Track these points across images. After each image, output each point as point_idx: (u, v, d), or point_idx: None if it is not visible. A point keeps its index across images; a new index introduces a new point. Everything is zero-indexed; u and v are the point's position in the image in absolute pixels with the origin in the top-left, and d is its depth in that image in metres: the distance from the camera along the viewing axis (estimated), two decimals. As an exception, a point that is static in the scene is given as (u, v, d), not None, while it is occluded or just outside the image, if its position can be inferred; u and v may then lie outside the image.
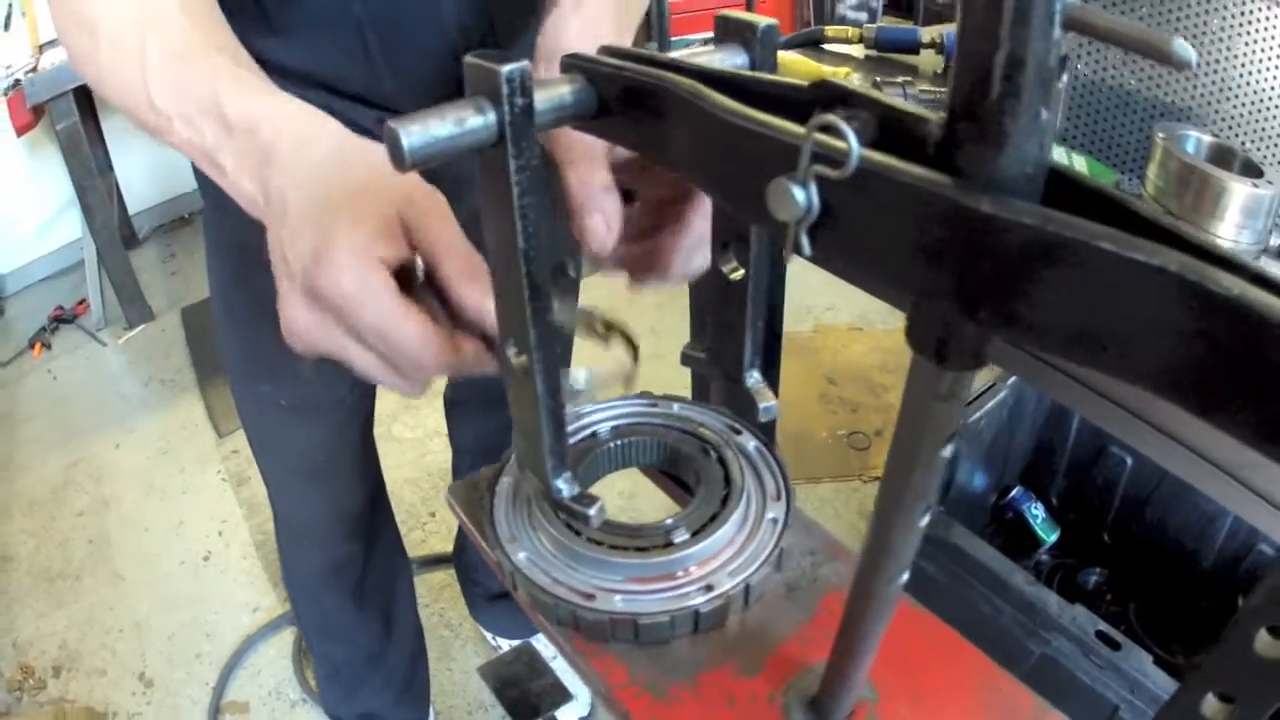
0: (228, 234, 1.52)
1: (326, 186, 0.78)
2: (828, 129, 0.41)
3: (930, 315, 0.43)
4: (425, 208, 0.78)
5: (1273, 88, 1.28)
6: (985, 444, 2.49)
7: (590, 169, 0.82)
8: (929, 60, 2.01)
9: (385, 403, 2.92)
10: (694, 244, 0.88)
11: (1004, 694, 0.78)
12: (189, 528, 3.40)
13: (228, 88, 0.87)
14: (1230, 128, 1.32)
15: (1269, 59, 1.26)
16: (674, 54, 0.61)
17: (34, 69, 3.64)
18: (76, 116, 3.84)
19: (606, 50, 0.63)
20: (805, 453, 3.42)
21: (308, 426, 1.73)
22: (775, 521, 0.87)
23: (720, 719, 0.76)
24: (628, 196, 0.85)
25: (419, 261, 0.79)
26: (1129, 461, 2.52)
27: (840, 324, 4.15)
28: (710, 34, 0.71)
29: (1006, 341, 0.39)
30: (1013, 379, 2.38)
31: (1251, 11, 1.26)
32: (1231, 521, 2.34)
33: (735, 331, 0.87)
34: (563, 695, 1.33)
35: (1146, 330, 0.34)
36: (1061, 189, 0.39)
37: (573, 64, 0.63)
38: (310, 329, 0.78)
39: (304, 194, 0.79)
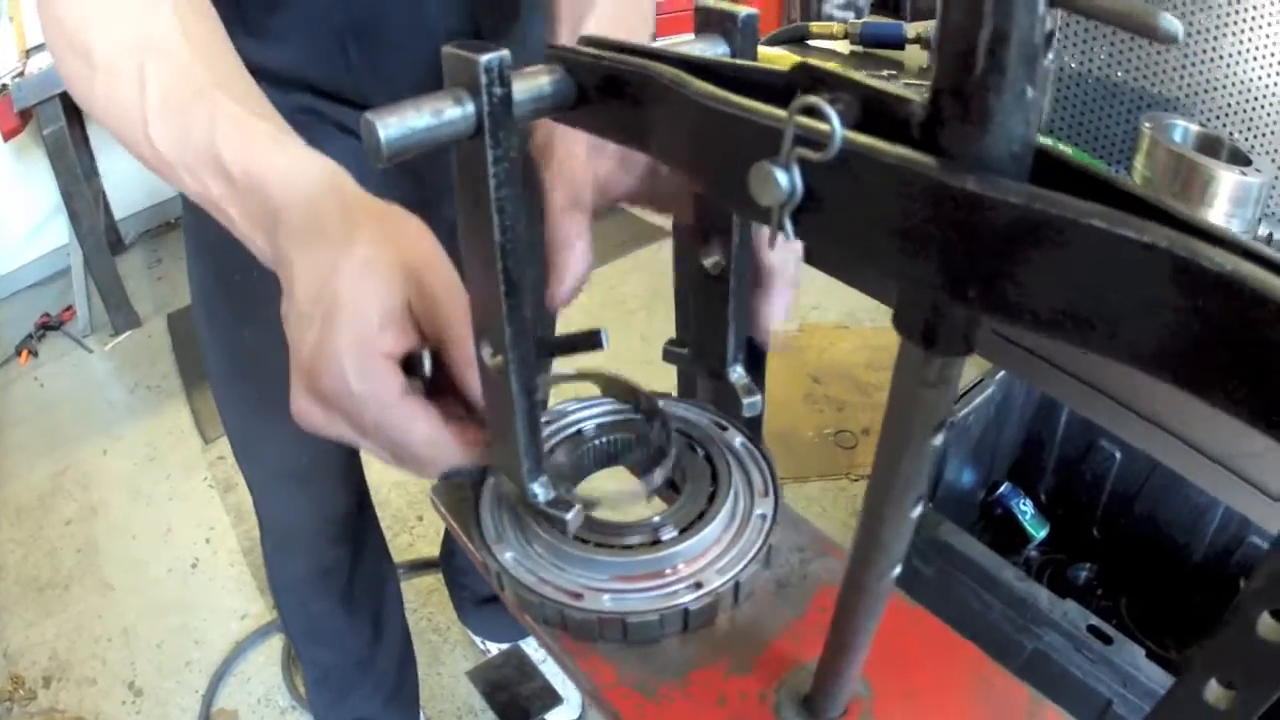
0: (208, 237, 1.50)
1: (332, 265, 0.74)
2: (810, 111, 0.40)
3: (917, 299, 0.42)
4: (435, 292, 0.75)
5: (1259, 79, 1.27)
6: (973, 440, 2.49)
7: (573, 210, 0.85)
8: (914, 56, 2.00)
9: (372, 406, 2.91)
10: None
11: (999, 688, 0.77)
12: (176, 535, 3.39)
13: (229, 138, 0.83)
14: (1217, 118, 1.32)
15: (1255, 50, 1.26)
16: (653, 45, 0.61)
17: (21, 73, 3.62)
18: (63, 121, 3.82)
19: (586, 40, 0.62)
20: (792, 452, 3.41)
21: (290, 429, 1.71)
22: (764, 518, 0.87)
23: (711, 718, 0.76)
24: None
25: (426, 353, 0.77)
26: (1118, 456, 2.52)
27: (827, 322, 4.14)
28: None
29: (996, 322, 0.38)
30: (1000, 374, 2.38)
31: (1238, 3, 1.26)
32: (1222, 515, 2.34)
33: (718, 326, 0.86)
34: (553, 698, 1.32)
35: (1137, 309, 0.34)
36: (1048, 169, 0.38)
37: (552, 54, 0.62)
38: (316, 421, 0.77)
39: (310, 272, 0.76)
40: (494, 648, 2.84)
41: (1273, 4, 1.23)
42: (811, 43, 2.20)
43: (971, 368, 2.53)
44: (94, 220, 4.18)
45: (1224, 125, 1.33)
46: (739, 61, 0.56)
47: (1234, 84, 1.30)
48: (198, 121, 0.84)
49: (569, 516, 0.77)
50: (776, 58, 2.07)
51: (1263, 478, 1.08)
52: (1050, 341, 1.26)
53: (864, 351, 3.90)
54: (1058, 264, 0.35)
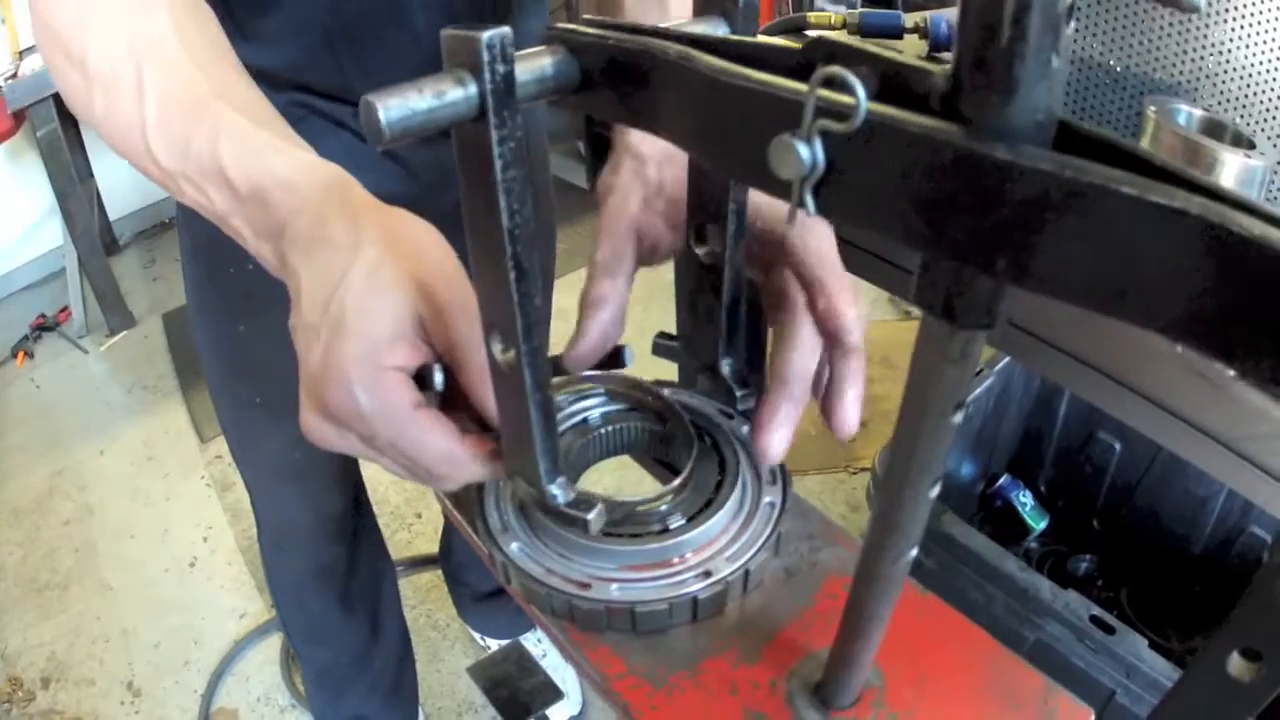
0: (202, 233, 1.49)
1: (340, 276, 0.72)
2: (831, 82, 0.39)
3: (939, 272, 0.41)
4: (446, 303, 0.73)
5: (1262, 63, 1.27)
6: (973, 432, 2.49)
7: (612, 270, 0.87)
8: (912, 45, 2.00)
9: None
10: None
11: (1013, 676, 0.77)
12: (174, 534, 3.38)
13: (232, 150, 0.81)
14: (1220, 103, 1.32)
15: (1259, 35, 1.26)
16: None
17: (14, 75, 3.61)
18: (57, 123, 3.82)
19: (587, 21, 0.61)
20: (791, 445, 3.39)
21: (284, 425, 1.70)
22: (772, 505, 0.86)
23: (722, 708, 0.75)
24: None
25: (438, 366, 0.75)
26: (1118, 447, 2.52)
27: (825, 317, 4.12)
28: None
29: (1025, 291, 0.37)
30: (999, 365, 2.37)
31: (1239, -12, 1.26)
32: (1222, 505, 2.34)
33: (710, 317, 0.85)
34: (554, 694, 1.32)
35: (1168, 275, 0.33)
36: (1069, 139, 0.38)
37: (552, 34, 0.61)
38: (328, 438, 0.75)
39: (316, 283, 0.74)
40: (494, 644, 2.84)
41: (1274, -11, 1.23)
42: (809, 33, 2.19)
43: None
44: (89, 221, 4.18)
45: (1226, 110, 1.32)
46: (746, 39, 0.55)
47: (1236, 69, 1.29)
48: (199, 133, 0.82)
49: (591, 516, 0.75)
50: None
51: (1270, 460, 1.08)
52: (1053, 325, 1.25)
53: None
54: (1088, 232, 0.34)
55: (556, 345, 0.88)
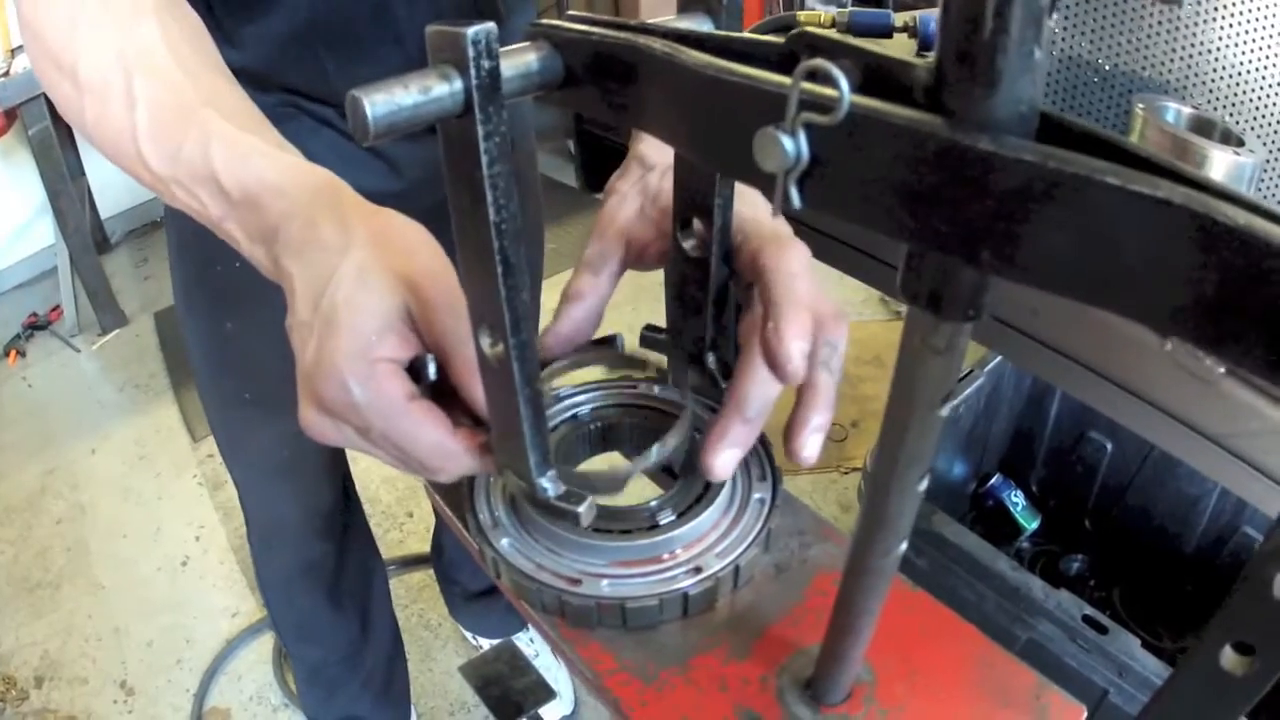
0: (189, 230, 1.48)
1: (330, 275, 0.73)
2: (815, 75, 0.39)
3: (924, 264, 0.41)
4: (434, 298, 0.74)
5: (1250, 61, 1.27)
6: (964, 432, 2.49)
7: (596, 268, 0.88)
8: (902, 44, 2.00)
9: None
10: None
11: (1004, 672, 0.77)
12: (166, 533, 3.38)
13: (223, 156, 0.81)
14: (1208, 100, 1.32)
15: (1246, 33, 1.26)
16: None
17: (6, 73, 3.61)
18: (49, 121, 3.81)
19: (571, 17, 0.61)
20: (781, 445, 3.39)
21: (273, 422, 1.70)
22: (762, 502, 0.86)
23: (713, 703, 0.75)
24: None
25: (430, 358, 0.76)
26: (1109, 447, 2.52)
27: (815, 316, 4.12)
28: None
29: (1010, 282, 0.37)
30: (990, 365, 2.37)
31: (1228, -14, 1.26)
32: (1214, 505, 2.34)
33: (696, 310, 0.85)
34: (546, 693, 1.32)
35: (1152, 265, 0.33)
36: (1053, 131, 0.38)
37: (536, 30, 0.61)
38: (325, 432, 0.75)
39: (308, 283, 0.75)
40: (486, 643, 2.84)
41: (1263, -12, 1.24)
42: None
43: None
44: (80, 220, 4.17)
45: (1214, 107, 1.32)
46: (730, 34, 0.55)
47: (1225, 68, 1.29)
48: (190, 139, 0.82)
49: (581, 510, 0.75)
50: (766, 47, 2.05)
51: (1264, 458, 1.08)
52: (1043, 323, 1.25)
53: (851, 346, 3.83)
54: (1072, 222, 0.34)
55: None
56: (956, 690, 0.76)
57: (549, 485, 0.75)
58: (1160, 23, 1.30)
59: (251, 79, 1.08)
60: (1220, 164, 1.16)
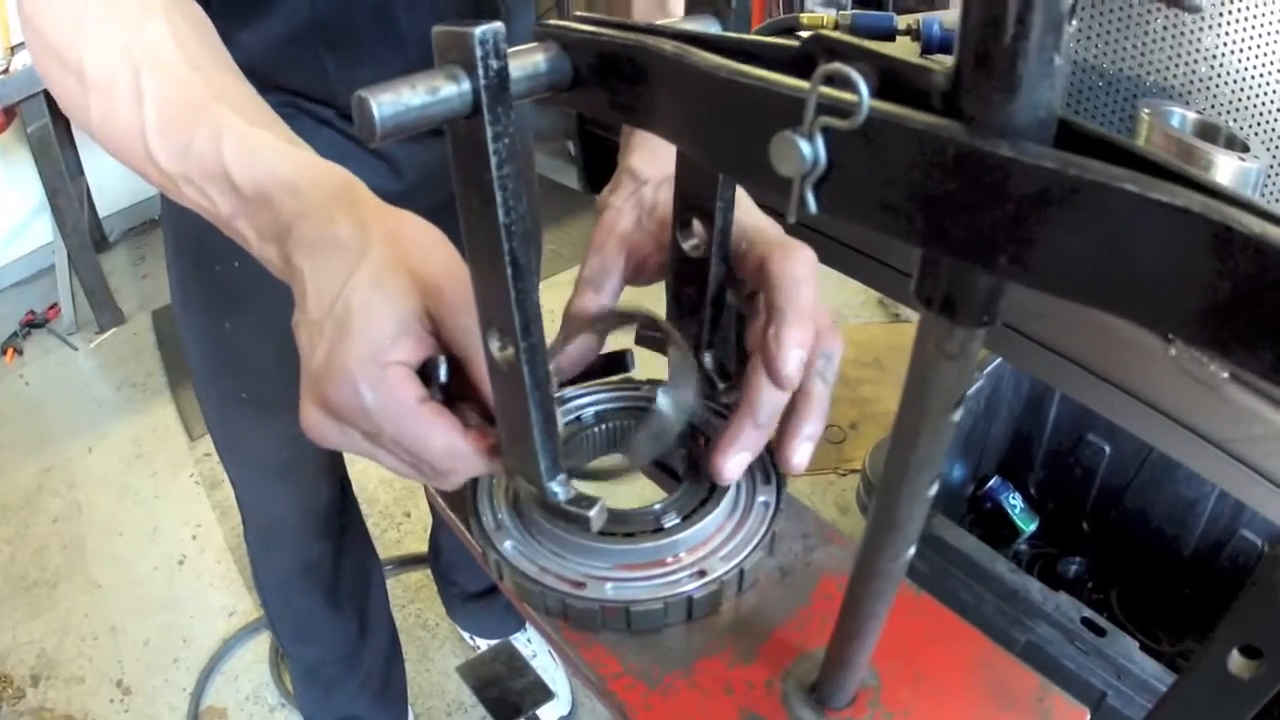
0: (187, 228, 1.48)
1: (345, 276, 0.73)
2: (833, 79, 0.39)
3: (941, 268, 0.41)
4: (452, 300, 0.73)
5: (1254, 67, 1.27)
6: (963, 434, 2.48)
7: (596, 283, 0.88)
8: (904, 47, 2.00)
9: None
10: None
11: (1007, 674, 0.77)
12: (163, 532, 3.38)
13: (235, 153, 0.80)
14: (1213, 106, 1.32)
15: (1250, 40, 1.26)
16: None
17: (5, 70, 3.60)
18: (48, 118, 3.81)
19: (578, 18, 0.61)
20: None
21: (270, 422, 1.70)
22: (766, 505, 0.86)
23: (718, 707, 0.75)
24: None
25: (443, 360, 0.75)
26: (1108, 450, 2.52)
27: (814, 319, 4.12)
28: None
29: (1028, 287, 0.37)
30: (989, 368, 2.37)
31: (1233, -7, 1.26)
32: (1212, 508, 2.34)
33: (695, 310, 0.85)
34: (544, 694, 1.32)
35: (1168, 272, 0.33)
36: (1070, 138, 0.38)
37: (543, 31, 0.61)
38: (329, 435, 0.75)
39: (321, 282, 0.74)
40: (483, 643, 2.84)
41: (1268, -6, 1.24)
42: (801, 34, 2.19)
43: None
44: (78, 218, 4.17)
45: (1219, 113, 1.33)
46: (741, 35, 0.54)
47: (1230, 75, 1.29)
48: (200, 136, 0.82)
49: (592, 514, 0.74)
50: (768, 49, 2.05)
51: (1263, 462, 1.08)
52: (1044, 325, 1.25)
53: (851, 348, 3.88)
54: (1089, 229, 0.34)
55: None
56: (960, 693, 0.76)
57: (559, 490, 0.74)
58: (1165, 28, 1.30)
59: (250, 78, 1.08)
60: (1226, 169, 1.16)
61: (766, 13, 5.17)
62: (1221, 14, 1.26)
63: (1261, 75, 1.27)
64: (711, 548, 0.83)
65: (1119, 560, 2.55)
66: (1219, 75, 1.30)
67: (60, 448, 3.82)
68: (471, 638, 2.88)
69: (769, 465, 0.89)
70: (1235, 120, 1.31)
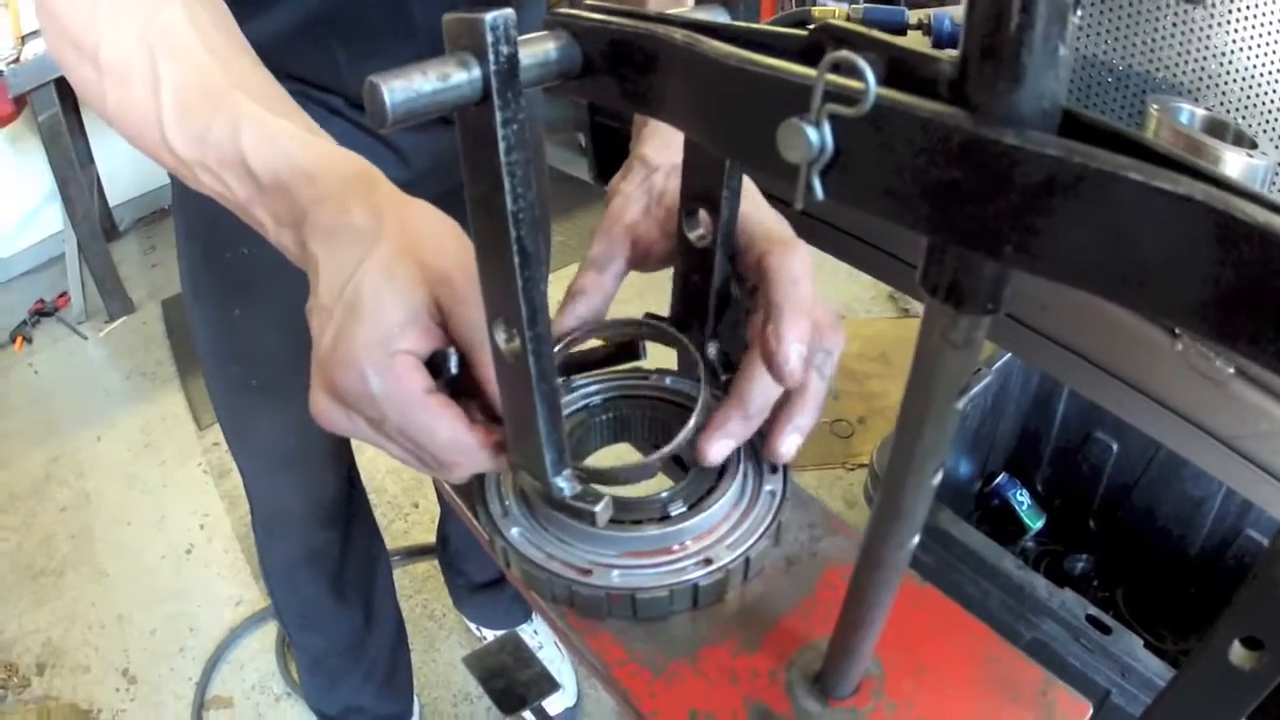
0: (198, 215, 1.49)
1: (357, 264, 0.73)
2: (840, 67, 0.40)
3: (946, 256, 0.42)
4: (462, 291, 0.73)
5: (1263, 65, 1.27)
6: (970, 430, 2.49)
7: (601, 266, 0.89)
8: (915, 41, 2.00)
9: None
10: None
11: (1011, 667, 0.77)
12: (170, 521, 3.38)
13: (253, 140, 0.80)
14: (1221, 103, 1.32)
15: (1259, 37, 1.26)
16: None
17: (16, 59, 3.61)
18: (58, 107, 3.81)
19: (590, 6, 0.61)
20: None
21: (279, 410, 1.70)
22: (773, 494, 0.86)
23: (722, 696, 0.75)
24: None
25: (452, 352, 0.75)
26: (1115, 447, 2.52)
27: (822, 313, 4.12)
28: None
29: (1031, 276, 0.38)
30: (997, 364, 2.37)
31: (1242, -11, 1.26)
32: (1219, 507, 2.34)
33: (700, 300, 0.85)
34: (550, 685, 1.32)
35: (1171, 260, 0.34)
36: (1075, 128, 0.38)
37: (554, 20, 0.61)
38: (336, 421, 0.75)
39: (334, 269, 0.74)
40: (490, 634, 2.84)
41: (1277, -9, 1.24)
42: (812, 27, 2.19)
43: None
44: (89, 207, 4.17)
45: (1228, 110, 1.32)
46: (751, 25, 0.55)
47: (1239, 72, 1.29)
48: (218, 123, 0.82)
49: (598, 509, 0.75)
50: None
51: (1271, 459, 1.08)
52: (1052, 320, 1.25)
53: (857, 342, 3.89)
54: (1094, 217, 0.34)
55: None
56: (964, 685, 0.76)
57: (565, 485, 0.75)
58: (1175, 25, 1.30)
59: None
60: (1234, 166, 1.16)
61: (779, 6, 5.17)
62: (1231, 12, 1.26)
63: (1271, 73, 1.27)
64: (718, 536, 0.83)
65: (1125, 558, 2.55)
66: (1228, 73, 1.30)
67: (69, 437, 3.82)
68: (478, 628, 2.88)
69: None
70: (1244, 118, 1.31)
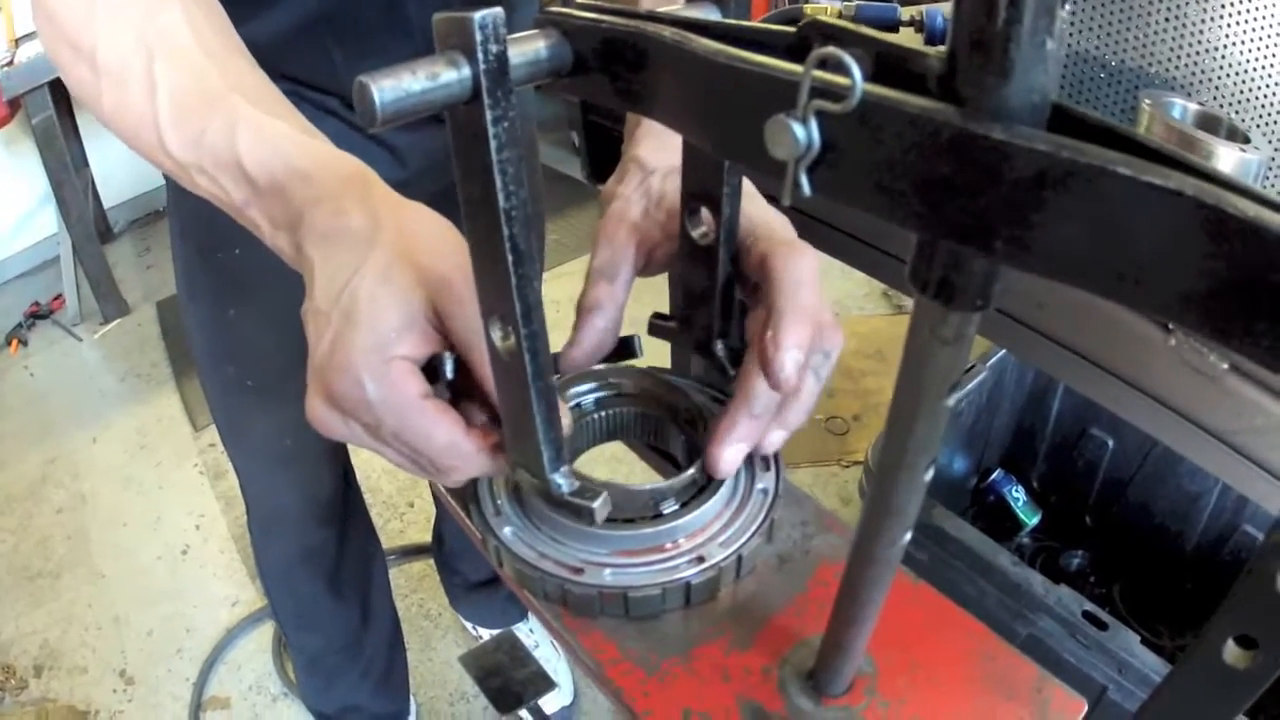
0: (191, 213, 1.49)
1: (353, 268, 0.73)
2: (827, 63, 0.39)
3: (936, 253, 0.41)
4: (460, 294, 0.73)
5: (1256, 59, 1.27)
6: (965, 427, 2.49)
7: (609, 274, 0.88)
8: (908, 38, 2.00)
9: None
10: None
11: (1005, 665, 0.77)
12: (167, 522, 3.38)
13: (249, 143, 0.80)
14: (1214, 98, 1.32)
15: (1252, 32, 1.26)
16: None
17: (10, 62, 3.60)
18: (52, 110, 3.81)
19: (581, 5, 0.61)
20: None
21: (274, 410, 1.70)
22: (765, 492, 0.86)
23: (715, 694, 0.75)
24: None
25: (449, 356, 0.75)
26: (1110, 443, 2.52)
27: (817, 311, 4.12)
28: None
29: (1021, 271, 0.37)
30: (992, 360, 2.37)
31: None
32: (1214, 503, 2.34)
33: (705, 298, 0.85)
34: (546, 684, 1.32)
35: (1163, 256, 0.33)
36: (1064, 122, 0.38)
37: (545, 18, 0.61)
38: (333, 427, 0.75)
39: (330, 273, 0.74)
40: (486, 633, 2.84)
41: (1270, -14, 1.24)
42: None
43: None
44: (83, 209, 4.17)
45: (1221, 105, 1.32)
46: (740, 22, 0.55)
47: (1230, 66, 1.29)
48: (214, 126, 0.82)
49: (596, 505, 0.75)
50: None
51: (1266, 454, 1.08)
52: (1047, 317, 1.25)
53: (853, 339, 3.89)
54: (1084, 212, 0.34)
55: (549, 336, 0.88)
56: (958, 683, 0.76)
57: (563, 481, 0.75)
58: (1167, 19, 1.30)
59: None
60: (1226, 160, 1.16)
61: (771, 3, 5.16)
62: (1225, 6, 1.26)
63: (1264, 68, 1.27)
64: (710, 534, 0.83)
65: (1121, 554, 2.55)
66: (1221, 67, 1.30)
67: (64, 438, 3.82)
68: (474, 627, 2.88)
69: (769, 454, 0.89)
70: (1237, 113, 1.31)
